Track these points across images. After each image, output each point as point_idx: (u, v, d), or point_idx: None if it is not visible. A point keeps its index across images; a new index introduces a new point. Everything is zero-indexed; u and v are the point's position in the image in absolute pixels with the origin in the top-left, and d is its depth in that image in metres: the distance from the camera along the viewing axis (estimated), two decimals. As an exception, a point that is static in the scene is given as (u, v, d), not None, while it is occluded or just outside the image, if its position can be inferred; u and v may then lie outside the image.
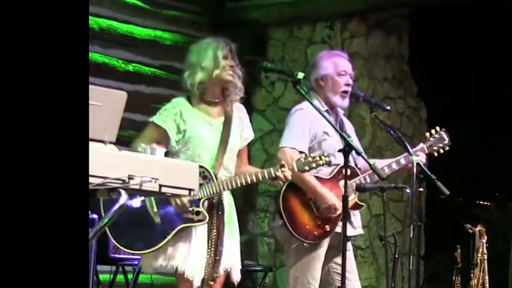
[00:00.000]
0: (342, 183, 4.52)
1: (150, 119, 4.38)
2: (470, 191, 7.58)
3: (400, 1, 7.97)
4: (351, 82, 4.95)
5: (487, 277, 5.50)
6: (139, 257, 4.64)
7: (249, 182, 4.24)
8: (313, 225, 4.78)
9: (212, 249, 4.21)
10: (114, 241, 4.18)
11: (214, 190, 4.20)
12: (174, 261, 4.17)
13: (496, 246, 6.11)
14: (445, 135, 5.05)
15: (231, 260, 4.31)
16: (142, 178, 2.89)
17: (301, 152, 4.80)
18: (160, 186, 2.95)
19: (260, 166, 8.15)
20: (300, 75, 4.22)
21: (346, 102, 4.96)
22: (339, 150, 4.33)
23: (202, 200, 4.18)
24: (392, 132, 4.82)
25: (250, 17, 8.29)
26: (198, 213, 4.16)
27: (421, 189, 4.63)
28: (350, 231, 4.74)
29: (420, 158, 4.82)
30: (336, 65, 4.96)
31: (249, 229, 8.25)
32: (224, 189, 4.24)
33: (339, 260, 4.78)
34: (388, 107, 5.12)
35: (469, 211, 7.56)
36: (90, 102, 2.62)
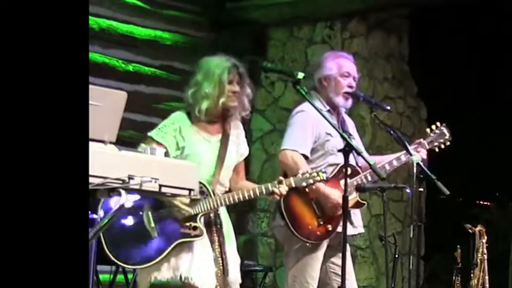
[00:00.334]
0: (342, 182, 4.52)
1: (149, 134, 4.38)
2: (470, 191, 7.58)
3: (400, 1, 7.97)
4: (353, 84, 4.96)
5: (487, 277, 5.50)
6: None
7: (247, 198, 4.30)
8: (315, 225, 4.78)
9: (219, 261, 4.26)
10: (109, 254, 4.19)
11: (212, 205, 4.25)
12: (178, 271, 4.19)
13: (496, 246, 6.11)
14: (445, 131, 5.06)
15: (236, 274, 4.36)
16: (142, 178, 2.89)
17: (302, 155, 4.81)
18: (160, 186, 2.95)
19: (260, 166, 8.24)
20: (300, 75, 4.22)
21: (349, 103, 4.97)
22: (339, 150, 4.33)
23: (199, 216, 4.23)
24: (392, 132, 4.82)
25: (250, 17, 8.29)
26: (195, 228, 4.21)
27: (421, 189, 4.63)
28: (350, 230, 4.75)
29: (421, 154, 4.83)
30: (340, 66, 4.96)
31: (249, 229, 8.25)
32: (221, 205, 4.30)
33: (336, 259, 4.79)
34: (388, 107, 5.12)
35: (469, 211, 7.56)
36: (90, 102, 2.62)
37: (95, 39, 7.24)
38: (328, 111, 4.87)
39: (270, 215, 7.78)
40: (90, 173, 2.65)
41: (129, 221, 4.20)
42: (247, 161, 4.69)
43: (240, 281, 4.41)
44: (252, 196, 4.31)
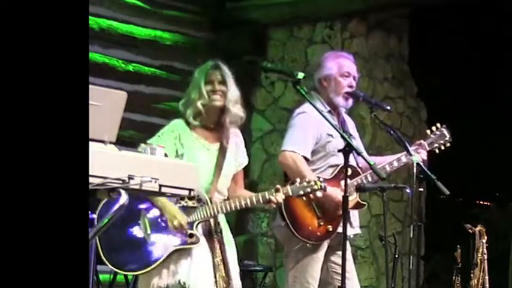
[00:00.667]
0: (343, 183, 4.52)
1: (148, 141, 4.37)
2: (470, 191, 7.58)
3: (400, 1, 7.97)
4: (353, 84, 4.96)
5: (487, 277, 5.50)
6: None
7: (243, 206, 4.33)
8: (316, 226, 4.78)
9: (221, 268, 4.27)
10: (105, 260, 4.22)
11: (209, 213, 4.27)
12: (177, 276, 4.22)
13: (496, 246, 6.11)
14: (445, 132, 5.06)
15: (237, 281, 4.38)
16: (142, 178, 2.89)
17: (303, 156, 4.80)
18: (160, 186, 2.95)
19: (260, 166, 8.24)
20: (300, 75, 4.22)
21: (349, 103, 4.97)
22: (339, 150, 4.33)
23: (196, 223, 4.25)
24: (392, 132, 4.82)
25: (250, 17, 8.29)
26: (191, 235, 4.23)
27: (421, 189, 4.63)
28: (349, 231, 4.74)
29: (421, 155, 4.83)
30: (340, 66, 4.96)
31: (249, 229, 8.25)
32: (219, 213, 4.32)
33: (337, 259, 4.79)
34: (388, 107, 5.12)
35: (469, 211, 7.56)
36: (90, 102, 2.61)
37: (95, 39, 7.24)
38: (329, 111, 4.87)
39: (270, 215, 7.80)
40: (90, 173, 2.65)
41: (125, 227, 4.23)
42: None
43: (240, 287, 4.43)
44: (249, 204, 4.33)
